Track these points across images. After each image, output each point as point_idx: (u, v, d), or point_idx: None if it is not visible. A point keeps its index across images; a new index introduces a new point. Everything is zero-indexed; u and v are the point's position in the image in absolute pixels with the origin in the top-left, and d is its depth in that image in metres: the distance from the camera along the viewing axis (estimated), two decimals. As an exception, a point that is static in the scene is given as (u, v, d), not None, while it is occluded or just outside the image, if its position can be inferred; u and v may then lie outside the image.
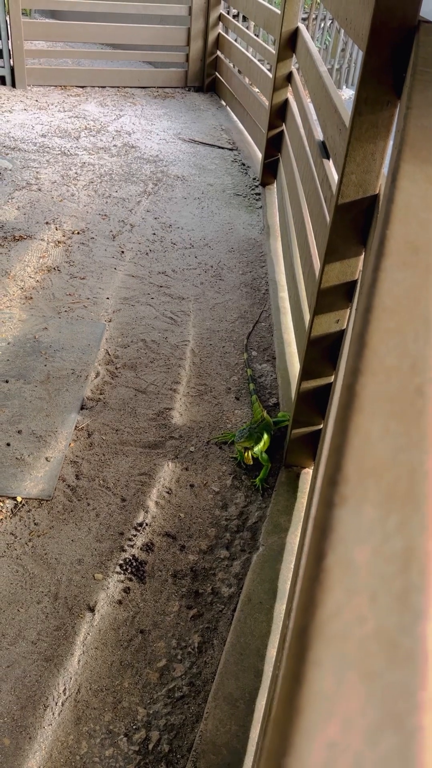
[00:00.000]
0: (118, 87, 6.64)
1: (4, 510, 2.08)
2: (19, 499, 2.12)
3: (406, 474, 0.38)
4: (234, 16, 6.70)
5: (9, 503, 2.11)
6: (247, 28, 6.39)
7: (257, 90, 5.20)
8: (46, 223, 3.89)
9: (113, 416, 2.50)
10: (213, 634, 1.79)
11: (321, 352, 2.03)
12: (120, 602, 1.84)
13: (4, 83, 6.31)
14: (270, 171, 4.51)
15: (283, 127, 4.19)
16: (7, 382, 2.61)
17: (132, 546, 2.00)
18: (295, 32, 3.85)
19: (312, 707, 0.27)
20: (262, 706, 1.60)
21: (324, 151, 2.49)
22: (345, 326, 1.96)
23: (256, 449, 2.26)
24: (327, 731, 0.26)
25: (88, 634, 1.76)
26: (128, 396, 2.60)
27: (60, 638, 1.74)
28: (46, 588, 1.86)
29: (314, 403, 2.12)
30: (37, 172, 4.55)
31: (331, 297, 1.92)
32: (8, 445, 2.31)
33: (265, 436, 2.30)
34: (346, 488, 0.36)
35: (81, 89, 6.48)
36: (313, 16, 8.15)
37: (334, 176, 2.26)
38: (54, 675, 1.66)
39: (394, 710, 0.27)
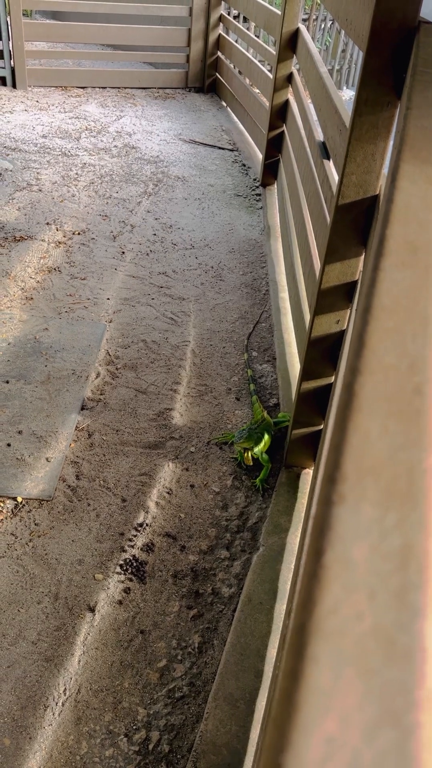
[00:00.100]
0: (119, 88, 6.64)
1: (4, 510, 2.08)
2: (19, 499, 2.12)
3: (404, 472, 0.38)
4: (234, 17, 6.71)
5: (9, 503, 2.11)
6: (247, 29, 6.40)
7: (258, 91, 5.20)
8: (47, 223, 3.89)
9: (114, 417, 2.50)
10: (213, 634, 1.79)
11: (321, 353, 2.03)
12: (120, 602, 1.85)
13: (4, 84, 6.32)
14: (270, 172, 4.51)
15: (284, 127, 4.19)
16: (7, 382, 2.61)
17: (132, 546, 2.01)
18: (296, 33, 3.86)
19: (310, 703, 0.27)
20: (262, 707, 1.60)
21: (324, 151, 2.49)
22: (345, 327, 1.96)
23: (256, 450, 2.26)
24: (325, 727, 0.26)
25: (89, 634, 1.76)
26: (129, 396, 2.60)
27: (60, 638, 1.74)
28: (46, 588, 1.86)
29: (314, 403, 2.12)
30: (37, 173, 4.55)
31: (331, 297, 1.92)
32: (9, 445, 2.31)
33: (266, 436, 2.30)
34: (345, 486, 0.36)
35: (82, 90, 6.48)
36: (314, 16, 8.15)
37: (335, 177, 2.26)
38: (54, 675, 1.66)
39: (392, 707, 0.27)
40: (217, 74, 6.57)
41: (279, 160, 4.37)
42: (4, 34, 6.00)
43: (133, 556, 1.98)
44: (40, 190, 4.31)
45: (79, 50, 7.11)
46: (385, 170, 1.64)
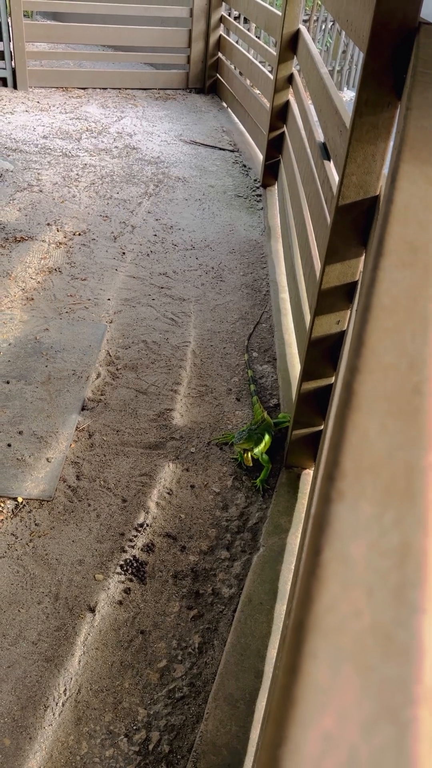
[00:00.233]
0: (120, 89, 6.65)
1: (5, 511, 2.08)
2: (20, 499, 2.12)
3: (402, 471, 0.38)
4: (235, 18, 6.71)
5: (10, 504, 2.11)
6: (248, 29, 6.40)
7: (258, 92, 5.21)
8: (48, 224, 3.90)
9: (114, 417, 2.50)
10: (213, 634, 1.79)
11: (322, 353, 2.03)
12: (120, 603, 1.85)
13: (5, 85, 6.33)
14: (271, 172, 4.51)
15: (284, 128, 4.19)
16: (8, 383, 2.61)
17: (133, 547, 2.01)
18: (296, 34, 3.86)
19: (308, 699, 0.27)
20: (262, 707, 1.60)
21: (325, 152, 2.49)
22: (345, 327, 1.97)
23: (256, 450, 2.27)
24: (322, 723, 0.26)
25: (89, 634, 1.76)
26: (129, 397, 2.61)
27: (60, 639, 1.74)
28: (46, 588, 1.86)
29: (315, 404, 2.13)
30: (38, 174, 4.56)
31: (331, 298, 1.92)
32: (9, 445, 2.31)
33: (266, 437, 2.31)
34: (344, 484, 0.37)
35: (82, 91, 6.49)
36: (314, 17, 8.16)
37: (335, 177, 2.26)
38: (54, 675, 1.67)
39: (390, 703, 0.27)
40: (217, 75, 6.57)
41: (279, 161, 4.37)
42: (4, 35, 6.01)
43: (134, 556, 1.98)
44: (41, 191, 4.31)
45: (80, 51, 7.12)
46: (386, 171, 1.64)
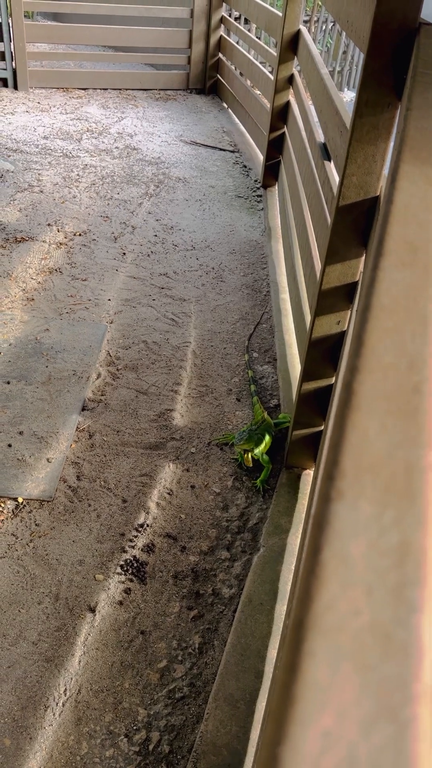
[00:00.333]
0: (120, 89, 6.65)
1: (5, 511, 2.09)
2: (20, 499, 2.12)
3: (402, 470, 0.38)
4: (236, 19, 6.71)
5: (10, 504, 2.11)
6: (248, 30, 6.40)
7: (259, 92, 5.21)
8: (48, 224, 3.90)
9: (114, 417, 2.50)
10: (214, 635, 1.79)
11: (322, 354, 2.03)
12: (121, 603, 1.85)
13: (6, 85, 6.33)
14: (271, 173, 4.51)
15: (285, 129, 4.20)
16: (8, 383, 2.61)
17: (133, 547, 2.01)
18: (297, 35, 3.86)
19: (307, 697, 0.27)
20: (262, 707, 1.60)
21: (325, 152, 2.49)
22: (346, 327, 1.97)
23: (257, 451, 2.27)
24: (322, 721, 0.26)
25: (89, 634, 1.76)
26: (129, 397, 2.61)
27: (61, 639, 1.74)
28: (47, 589, 1.87)
29: (315, 404, 2.13)
30: (39, 174, 4.56)
31: (331, 298, 1.92)
32: (9, 446, 2.31)
33: (267, 437, 2.31)
34: (343, 483, 0.37)
35: (83, 91, 6.49)
36: (315, 18, 8.16)
37: (335, 178, 2.27)
38: (55, 675, 1.67)
39: (389, 701, 0.27)
40: (218, 76, 6.57)
41: (280, 162, 4.37)
42: (5, 35, 6.01)
43: (134, 556, 1.98)
44: (42, 192, 4.32)
45: (81, 52, 7.12)
46: (386, 171, 1.64)
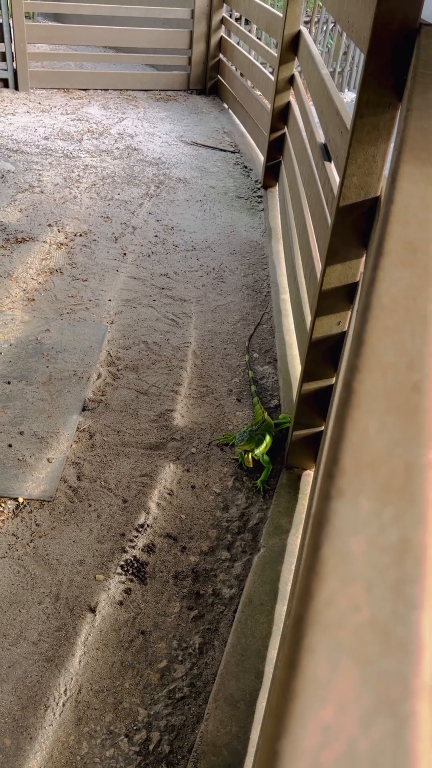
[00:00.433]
0: (121, 90, 6.66)
1: (5, 511, 2.09)
2: (20, 500, 2.12)
3: (402, 468, 0.38)
4: (236, 20, 6.72)
5: (11, 504, 2.11)
6: (249, 31, 6.41)
7: (259, 93, 5.21)
8: (49, 225, 3.90)
9: (115, 417, 2.50)
10: (214, 635, 1.79)
11: (322, 354, 2.03)
12: (121, 603, 1.85)
13: (7, 86, 6.34)
14: (272, 173, 4.52)
15: (285, 129, 4.20)
16: (9, 383, 2.61)
17: (133, 547, 2.01)
18: (297, 35, 3.87)
19: (307, 692, 0.27)
20: (262, 708, 1.60)
21: (325, 153, 2.50)
22: (346, 328, 1.97)
23: (257, 451, 2.27)
24: (321, 716, 0.26)
25: (89, 634, 1.76)
26: (130, 397, 2.61)
27: (61, 639, 1.74)
28: (47, 589, 1.87)
29: (315, 404, 2.13)
30: (39, 175, 4.56)
31: (332, 299, 1.92)
32: (10, 446, 2.31)
33: (267, 438, 2.31)
34: (343, 481, 0.37)
35: (84, 92, 6.50)
36: (316, 19, 8.17)
37: (336, 178, 2.27)
38: (55, 675, 1.67)
39: (388, 696, 0.27)
40: (218, 76, 6.58)
41: (280, 162, 4.37)
42: (6, 36, 6.02)
43: (134, 556, 1.98)
44: (42, 192, 4.32)
45: (81, 52, 7.12)
46: (386, 172, 1.65)
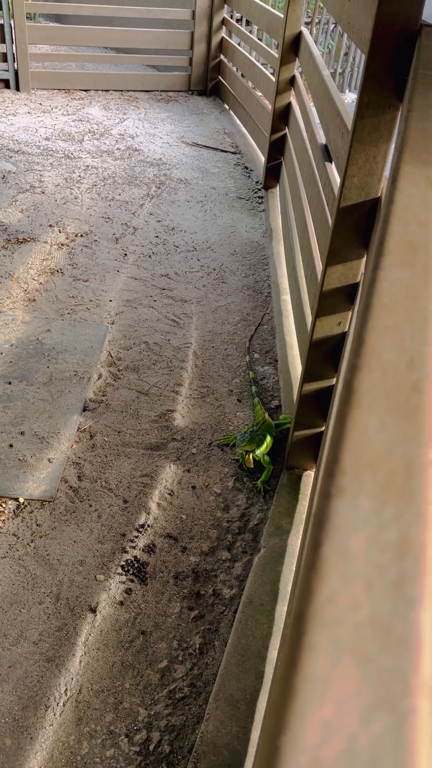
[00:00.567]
0: (122, 90, 6.66)
1: (6, 511, 2.09)
2: (21, 500, 2.13)
3: (401, 467, 0.38)
4: (237, 20, 6.72)
5: (11, 504, 2.11)
6: (250, 32, 6.41)
7: (260, 94, 5.21)
8: (50, 225, 3.90)
9: (115, 418, 2.50)
10: (214, 635, 1.79)
11: (323, 355, 2.03)
12: (121, 603, 1.85)
13: (8, 87, 6.34)
14: (273, 174, 4.52)
15: (286, 130, 4.20)
16: (10, 383, 2.62)
17: (134, 547, 2.01)
18: (298, 36, 3.87)
19: (307, 689, 0.27)
20: (263, 708, 1.60)
21: (326, 154, 2.50)
22: (347, 328, 1.97)
23: (258, 452, 2.27)
24: (321, 712, 0.26)
25: (90, 634, 1.76)
26: (130, 398, 2.61)
27: (61, 639, 1.75)
28: (47, 589, 1.87)
29: (316, 405, 2.13)
30: (40, 175, 4.57)
31: (333, 299, 1.92)
32: (11, 446, 2.32)
33: (268, 438, 2.31)
34: (343, 480, 0.37)
35: (85, 93, 6.51)
36: (317, 20, 8.17)
37: (337, 179, 2.27)
38: (55, 675, 1.67)
39: (388, 693, 0.27)
40: (219, 77, 6.58)
41: (281, 163, 4.38)
42: (7, 37, 6.03)
43: (135, 557, 1.98)
44: (43, 193, 4.32)
45: (83, 53, 7.13)
46: (387, 173, 1.65)
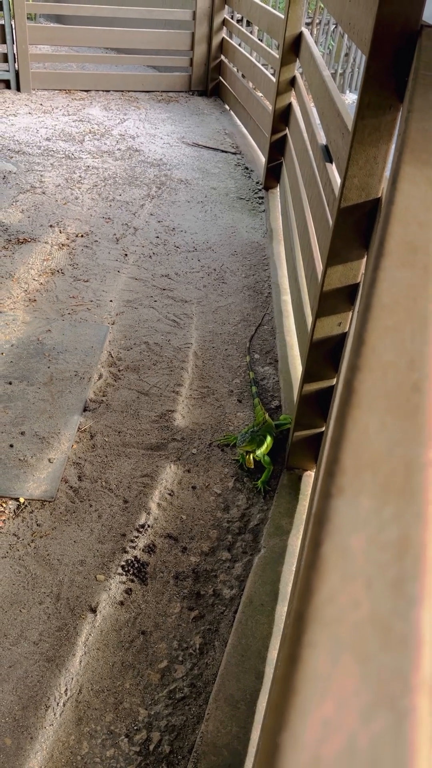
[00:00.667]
0: (123, 91, 6.67)
1: (6, 511, 2.09)
2: (21, 500, 2.13)
3: (401, 467, 0.39)
4: (238, 21, 6.73)
5: (12, 504, 2.12)
6: (251, 32, 6.42)
7: (261, 94, 5.22)
8: (50, 226, 3.91)
9: (116, 418, 2.50)
10: (214, 635, 1.79)
11: (323, 355, 2.04)
12: (122, 603, 1.85)
13: (9, 87, 6.35)
14: (273, 175, 4.52)
15: (287, 131, 4.20)
16: (10, 383, 2.62)
17: (134, 547, 2.01)
18: (299, 37, 3.87)
19: (307, 687, 0.27)
20: (263, 708, 1.60)
21: (327, 154, 2.50)
22: (347, 329, 1.97)
23: (258, 452, 2.27)
24: (322, 710, 0.27)
25: (90, 634, 1.77)
26: (131, 398, 2.61)
27: (62, 639, 1.75)
28: (48, 589, 1.87)
29: (316, 405, 2.13)
30: (41, 176, 4.57)
31: (333, 300, 1.93)
32: (11, 446, 2.32)
33: (268, 438, 2.31)
34: (344, 480, 0.37)
35: (85, 93, 6.51)
36: (317, 20, 8.17)
37: (337, 180, 2.27)
38: (56, 675, 1.67)
39: (388, 691, 0.28)
40: (220, 78, 6.59)
41: (282, 164, 4.38)
42: (8, 37, 6.03)
43: (135, 557, 1.98)
44: (44, 193, 4.33)
45: (83, 53, 7.14)
46: (388, 173, 1.65)
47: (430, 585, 0.32)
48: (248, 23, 6.82)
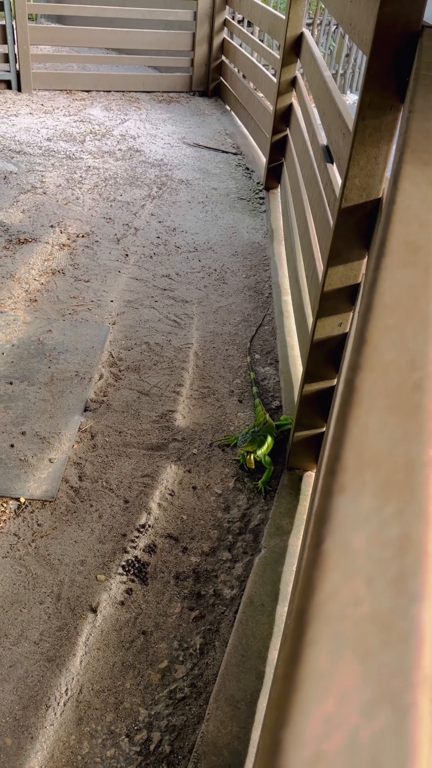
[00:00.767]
0: (123, 91, 6.67)
1: (7, 511, 2.09)
2: (22, 500, 2.13)
3: (403, 465, 0.39)
4: (239, 21, 6.73)
5: (12, 504, 2.12)
6: (251, 33, 6.42)
7: (262, 95, 5.22)
8: (51, 226, 3.91)
9: (116, 418, 2.51)
10: (215, 635, 1.79)
11: (324, 355, 2.04)
12: (122, 603, 1.85)
13: (10, 87, 6.35)
14: (274, 175, 4.52)
15: (287, 131, 4.21)
16: (11, 383, 2.62)
17: (134, 547, 2.01)
18: (300, 37, 3.87)
19: (309, 684, 0.27)
20: (263, 708, 1.60)
21: (328, 155, 2.50)
22: (348, 329, 1.97)
23: (259, 452, 2.27)
24: (323, 706, 0.27)
25: (91, 634, 1.77)
26: (131, 398, 2.61)
27: (62, 639, 1.75)
28: (48, 589, 1.87)
29: (317, 405, 2.13)
30: (42, 176, 4.57)
31: (334, 300, 1.93)
32: (12, 446, 2.32)
33: (269, 439, 2.31)
34: (345, 478, 0.37)
35: (86, 93, 6.51)
36: (318, 21, 8.18)
37: (338, 180, 2.27)
38: (56, 675, 1.67)
39: (389, 688, 0.28)
40: (221, 78, 6.59)
41: (282, 164, 4.38)
42: (9, 37, 6.04)
43: (136, 557, 1.98)
44: (45, 193, 4.33)
45: (84, 54, 7.14)
46: (389, 173, 1.65)
47: (430, 582, 0.32)
48: (249, 24, 6.82)
